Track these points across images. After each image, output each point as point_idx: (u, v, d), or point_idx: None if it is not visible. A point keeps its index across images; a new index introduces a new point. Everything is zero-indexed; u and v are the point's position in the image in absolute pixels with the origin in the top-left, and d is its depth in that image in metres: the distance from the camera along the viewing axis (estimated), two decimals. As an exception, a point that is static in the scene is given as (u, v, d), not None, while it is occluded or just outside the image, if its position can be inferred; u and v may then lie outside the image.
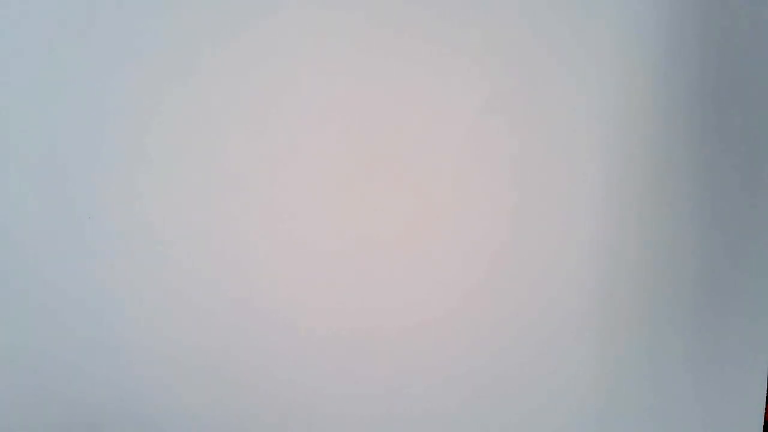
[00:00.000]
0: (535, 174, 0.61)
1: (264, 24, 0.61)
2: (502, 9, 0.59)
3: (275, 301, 0.65)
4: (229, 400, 0.66)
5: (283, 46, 0.61)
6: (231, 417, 0.66)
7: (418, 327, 0.64)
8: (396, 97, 0.61)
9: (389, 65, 0.60)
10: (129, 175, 0.63)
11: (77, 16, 0.61)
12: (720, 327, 0.62)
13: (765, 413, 0.63)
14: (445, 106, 0.61)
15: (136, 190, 0.63)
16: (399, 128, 0.61)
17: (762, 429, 0.63)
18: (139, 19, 0.61)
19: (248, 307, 0.65)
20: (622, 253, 0.62)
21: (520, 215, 0.62)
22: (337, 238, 0.63)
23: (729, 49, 0.59)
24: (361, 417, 0.66)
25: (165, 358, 0.66)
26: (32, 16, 0.62)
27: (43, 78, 0.63)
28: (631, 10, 0.59)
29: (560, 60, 0.60)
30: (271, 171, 0.63)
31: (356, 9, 0.60)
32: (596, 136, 0.60)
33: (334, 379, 0.65)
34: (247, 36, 0.61)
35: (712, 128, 0.60)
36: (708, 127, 0.60)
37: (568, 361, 0.63)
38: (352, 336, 0.64)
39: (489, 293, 0.63)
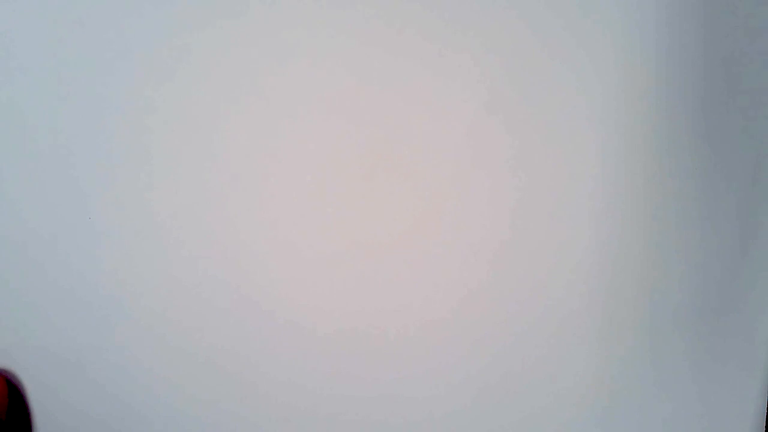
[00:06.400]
0: (535, 174, 0.61)
1: (265, 23, 0.60)
2: (502, 9, 0.59)
3: (274, 301, 0.65)
4: (227, 400, 0.66)
5: (284, 46, 0.61)
6: (230, 417, 0.66)
7: (420, 328, 0.64)
8: (396, 97, 0.61)
9: (389, 65, 0.60)
10: (128, 176, 0.63)
11: (76, 14, 0.61)
12: (722, 326, 0.62)
13: (767, 413, 0.63)
14: (445, 106, 0.61)
15: (135, 190, 0.63)
16: (399, 128, 0.61)
17: (764, 429, 0.63)
18: (139, 17, 0.61)
19: (247, 307, 0.65)
20: (623, 252, 0.62)
21: (521, 215, 0.62)
22: (337, 238, 0.63)
23: (730, 48, 0.59)
24: (361, 419, 0.66)
25: (163, 359, 0.66)
26: (30, 13, 0.62)
27: (40, 78, 0.63)
28: (632, 9, 0.58)
29: (560, 60, 0.60)
30: (270, 172, 0.63)
31: (356, 8, 0.60)
32: (597, 136, 0.60)
33: (334, 381, 0.65)
34: (248, 35, 0.61)
35: (714, 128, 0.60)
36: (709, 127, 0.60)
37: (571, 361, 0.63)
38: (352, 337, 0.64)
39: (490, 294, 0.63)
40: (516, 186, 0.62)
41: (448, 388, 0.65)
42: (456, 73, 0.60)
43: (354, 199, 0.63)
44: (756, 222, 0.61)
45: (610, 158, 0.61)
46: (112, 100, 0.62)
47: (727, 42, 0.59)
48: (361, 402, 0.65)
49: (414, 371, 0.65)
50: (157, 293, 0.65)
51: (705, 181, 0.61)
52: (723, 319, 0.62)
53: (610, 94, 0.60)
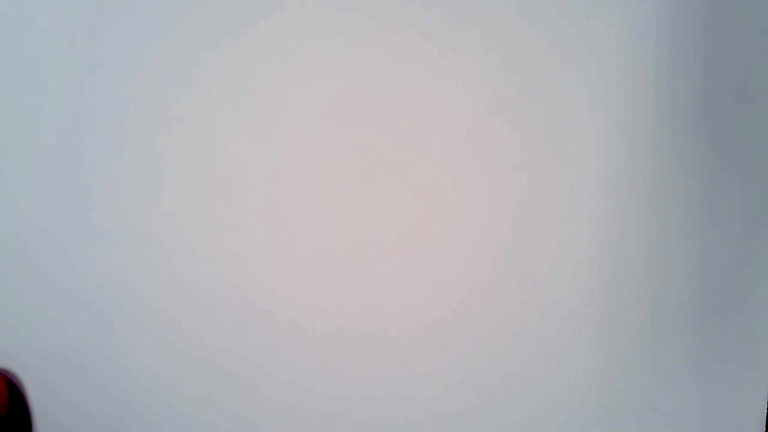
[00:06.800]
0: (536, 174, 0.61)
1: (265, 25, 0.61)
2: (503, 8, 0.59)
3: (275, 301, 0.65)
4: (227, 400, 0.66)
5: (284, 46, 0.61)
6: (230, 417, 0.66)
7: (420, 328, 0.64)
8: (397, 97, 0.61)
9: (390, 65, 0.60)
10: (130, 177, 0.63)
11: (93, 17, 0.61)
12: (722, 326, 0.62)
13: (767, 413, 0.63)
14: (446, 105, 0.61)
15: (136, 191, 0.63)
16: (400, 128, 0.61)
17: (764, 429, 0.63)
18: (139, 20, 0.61)
19: (248, 307, 0.65)
20: (623, 252, 0.62)
21: (521, 215, 0.62)
22: (337, 238, 0.63)
23: (731, 48, 0.59)
24: (361, 419, 0.66)
25: (164, 359, 0.66)
26: (47, 14, 0.62)
27: (43, 79, 0.63)
28: (633, 9, 0.59)
29: (561, 59, 0.60)
30: (272, 172, 0.63)
31: (356, 9, 0.60)
32: (598, 136, 0.60)
33: (334, 381, 0.65)
34: (248, 37, 0.61)
35: (715, 128, 0.60)
36: (710, 128, 0.60)
37: (571, 361, 0.63)
38: (352, 337, 0.64)
39: (490, 294, 0.63)
40: (517, 186, 0.62)
41: (448, 388, 0.65)
42: (456, 73, 0.60)
43: (354, 199, 0.63)
44: (756, 222, 0.61)
45: (611, 158, 0.61)
46: (120, 101, 0.62)
47: (729, 42, 0.59)
48: (361, 402, 0.65)
49: (414, 371, 0.65)
50: (158, 293, 0.65)
51: (705, 181, 0.61)
52: (723, 319, 0.62)
53: (612, 93, 0.60)
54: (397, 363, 0.65)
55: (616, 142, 0.60)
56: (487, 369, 0.64)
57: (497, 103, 0.60)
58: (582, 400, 0.64)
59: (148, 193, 0.63)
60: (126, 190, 0.64)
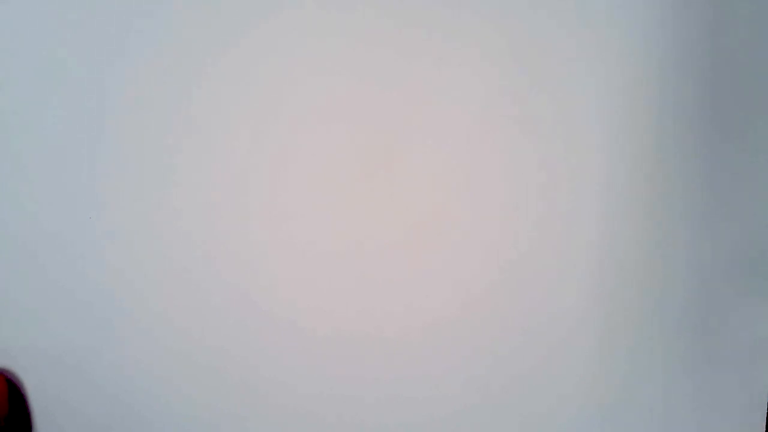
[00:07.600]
0: (538, 176, 0.61)
1: (265, 24, 0.61)
2: (509, 3, 0.59)
3: (276, 302, 0.65)
4: (227, 401, 0.66)
5: (284, 47, 0.61)
6: (229, 418, 0.66)
7: (421, 329, 0.64)
8: (399, 94, 0.61)
9: (392, 62, 0.60)
10: (130, 176, 0.63)
11: (81, 19, 0.61)
12: (721, 328, 0.62)
13: (767, 413, 0.63)
14: (449, 103, 0.61)
15: (137, 190, 0.63)
16: (400, 128, 0.61)
17: (764, 429, 0.63)
18: (141, 22, 0.61)
19: (249, 308, 0.65)
20: (624, 254, 0.62)
21: (523, 216, 0.62)
22: (339, 239, 0.63)
23: (733, 49, 0.59)
24: (362, 420, 0.66)
25: (163, 360, 0.66)
26: (34, 17, 0.62)
27: (45, 79, 0.63)
28: (639, 8, 0.59)
29: (568, 57, 0.60)
30: (274, 172, 0.63)
31: (356, 9, 0.60)
32: (602, 135, 0.60)
33: (334, 382, 0.65)
34: (249, 37, 0.61)
35: (717, 128, 0.60)
36: (712, 128, 0.60)
37: (572, 362, 0.63)
38: (352, 338, 0.64)
39: (491, 295, 0.63)
40: (520, 185, 0.62)
41: (449, 389, 0.65)
42: (460, 70, 0.60)
43: (355, 199, 0.63)
44: (757, 222, 0.61)
45: (615, 160, 0.61)
46: (121, 101, 0.62)
47: (734, 42, 0.59)
48: (361, 403, 0.65)
49: (415, 372, 0.65)
50: (158, 294, 0.65)
51: (708, 182, 0.61)
52: (723, 321, 0.62)
53: (619, 92, 0.60)
54: (397, 364, 0.65)
55: (622, 142, 0.60)
56: (488, 371, 0.64)
57: (501, 101, 0.60)
58: (582, 400, 0.64)
59: (148, 193, 0.63)
60: (126, 190, 0.64)
